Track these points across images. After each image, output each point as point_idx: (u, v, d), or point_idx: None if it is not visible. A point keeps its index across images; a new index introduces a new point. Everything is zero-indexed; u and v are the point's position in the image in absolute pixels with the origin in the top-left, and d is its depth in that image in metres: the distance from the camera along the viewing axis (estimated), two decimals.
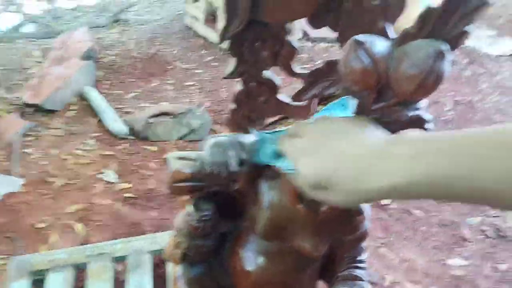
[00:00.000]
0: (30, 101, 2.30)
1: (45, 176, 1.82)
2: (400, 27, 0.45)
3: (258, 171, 0.57)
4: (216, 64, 3.04)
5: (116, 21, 3.90)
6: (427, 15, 0.38)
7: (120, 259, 1.25)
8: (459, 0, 0.37)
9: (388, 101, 0.44)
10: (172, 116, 2.21)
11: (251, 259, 0.65)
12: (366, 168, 0.36)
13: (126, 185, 1.79)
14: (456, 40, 0.40)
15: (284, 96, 0.54)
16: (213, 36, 3.24)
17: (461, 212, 1.73)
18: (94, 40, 3.15)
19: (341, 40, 0.44)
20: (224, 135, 0.60)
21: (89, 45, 2.92)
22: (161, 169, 1.90)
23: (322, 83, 0.50)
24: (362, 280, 0.66)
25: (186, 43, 3.40)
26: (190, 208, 0.61)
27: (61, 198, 1.70)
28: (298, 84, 0.54)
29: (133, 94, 2.61)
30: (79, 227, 1.56)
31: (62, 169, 1.87)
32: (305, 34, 3.42)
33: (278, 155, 0.50)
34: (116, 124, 2.16)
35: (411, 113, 0.45)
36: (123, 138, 2.12)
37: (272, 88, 0.52)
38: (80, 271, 1.23)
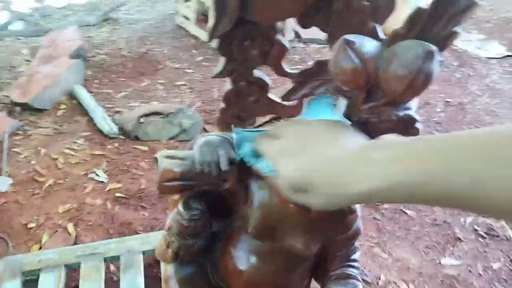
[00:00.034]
0: (19, 100, 2.27)
1: (35, 175, 1.80)
2: (389, 27, 0.46)
3: (248, 170, 0.57)
4: (207, 63, 3.03)
5: (106, 20, 3.87)
6: (416, 16, 0.39)
7: (112, 259, 1.24)
8: (447, 1, 0.37)
9: (378, 101, 0.45)
10: (162, 116, 2.20)
11: (243, 258, 0.65)
12: (346, 172, 0.37)
13: (117, 185, 1.78)
14: (445, 40, 0.40)
15: (274, 96, 0.54)
16: (204, 35, 3.23)
17: (453, 212, 1.75)
18: (83, 38, 3.13)
19: (331, 40, 0.44)
20: (214, 134, 0.60)
21: (79, 44, 2.89)
22: (152, 169, 1.89)
23: (312, 82, 0.50)
24: (355, 279, 0.66)
25: (177, 42, 3.39)
26: (180, 207, 0.61)
27: (51, 198, 1.69)
28: (291, 85, 0.54)
29: (123, 94, 2.60)
30: (70, 227, 1.54)
31: (52, 169, 1.86)
32: (297, 35, 3.43)
33: (257, 155, 0.50)
34: (106, 124, 2.14)
35: (401, 113, 0.46)
36: (113, 138, 2.10)
37: (262, 87, 0.52)
38: (72, 271, 1.22)
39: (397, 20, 0.43)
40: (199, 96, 2.60)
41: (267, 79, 0.52)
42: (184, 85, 2.74)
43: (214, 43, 0.45)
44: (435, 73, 0.40)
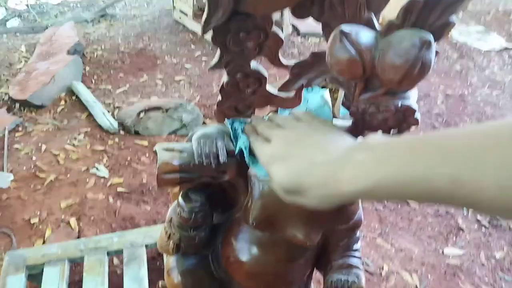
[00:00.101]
0: (17, 97, 2.27)
1: (36, 171, 1.81)
2: (384, 17, 0.46)
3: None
4: (205, 58, 3.03)
5: (103, 16, 3.85)
6: (411, 5, 0.39)
7: (115, 253, 1.26)
8: None
9: (375, 91, 0.45)
10: (162, 111, 2.20)
11: (245, 249, 0.65)
12: (336, 173, 0.38)
13: (119, 180, 1.79)
14: (440, 30, 0.40)
15: (271, 87, 0.54)
16: None
17: None
18: (81, 35, 3.12)
19: (326, 30, 0.44)
20: (212, 126, 0.60)
21: (76, 40, 2.89)
22: (153, 163, 1.90)
23: (309, 74, 0.51)
24: (357, 268, 0.67)
25: (175, 37, 3.38)
26: (180, 200, 0.61)
27: (53, 194, 1.70)
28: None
29: (121, 89, 2.60)
30: (73, 221, 1.55)
31: (53, 165, 1.86)
32: (295, 29, 3.42)
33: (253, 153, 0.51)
34: (106, 119, 2.15)
35: (399, 103, 0.46)
36: (113, 133, 2.11)
37: (259, 79, 0.52)
38: (75, 265, 1.23)
39: (394, 8, 0.43)
40: (198, 91, 2.60)
41: (264, 71, 0.52)
42: (183, 80, 2.74)
43: (208, 35, 0.45)
44: (431, 62, 0.40)
